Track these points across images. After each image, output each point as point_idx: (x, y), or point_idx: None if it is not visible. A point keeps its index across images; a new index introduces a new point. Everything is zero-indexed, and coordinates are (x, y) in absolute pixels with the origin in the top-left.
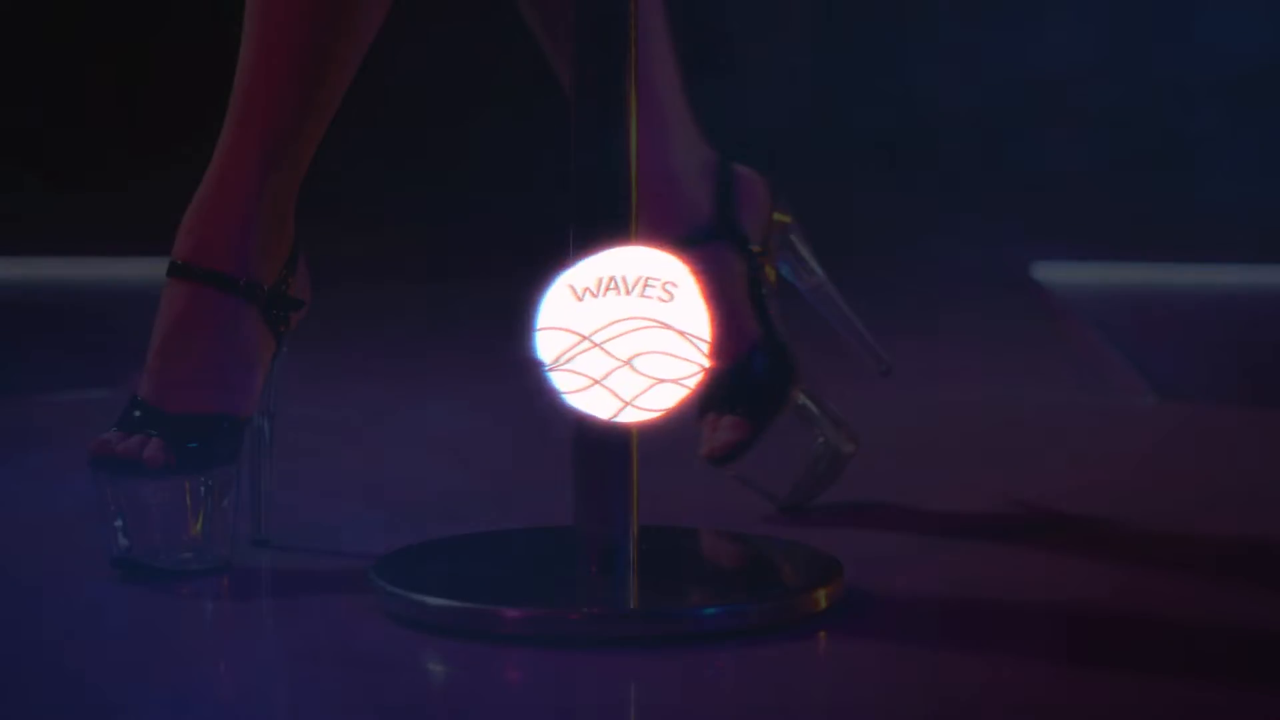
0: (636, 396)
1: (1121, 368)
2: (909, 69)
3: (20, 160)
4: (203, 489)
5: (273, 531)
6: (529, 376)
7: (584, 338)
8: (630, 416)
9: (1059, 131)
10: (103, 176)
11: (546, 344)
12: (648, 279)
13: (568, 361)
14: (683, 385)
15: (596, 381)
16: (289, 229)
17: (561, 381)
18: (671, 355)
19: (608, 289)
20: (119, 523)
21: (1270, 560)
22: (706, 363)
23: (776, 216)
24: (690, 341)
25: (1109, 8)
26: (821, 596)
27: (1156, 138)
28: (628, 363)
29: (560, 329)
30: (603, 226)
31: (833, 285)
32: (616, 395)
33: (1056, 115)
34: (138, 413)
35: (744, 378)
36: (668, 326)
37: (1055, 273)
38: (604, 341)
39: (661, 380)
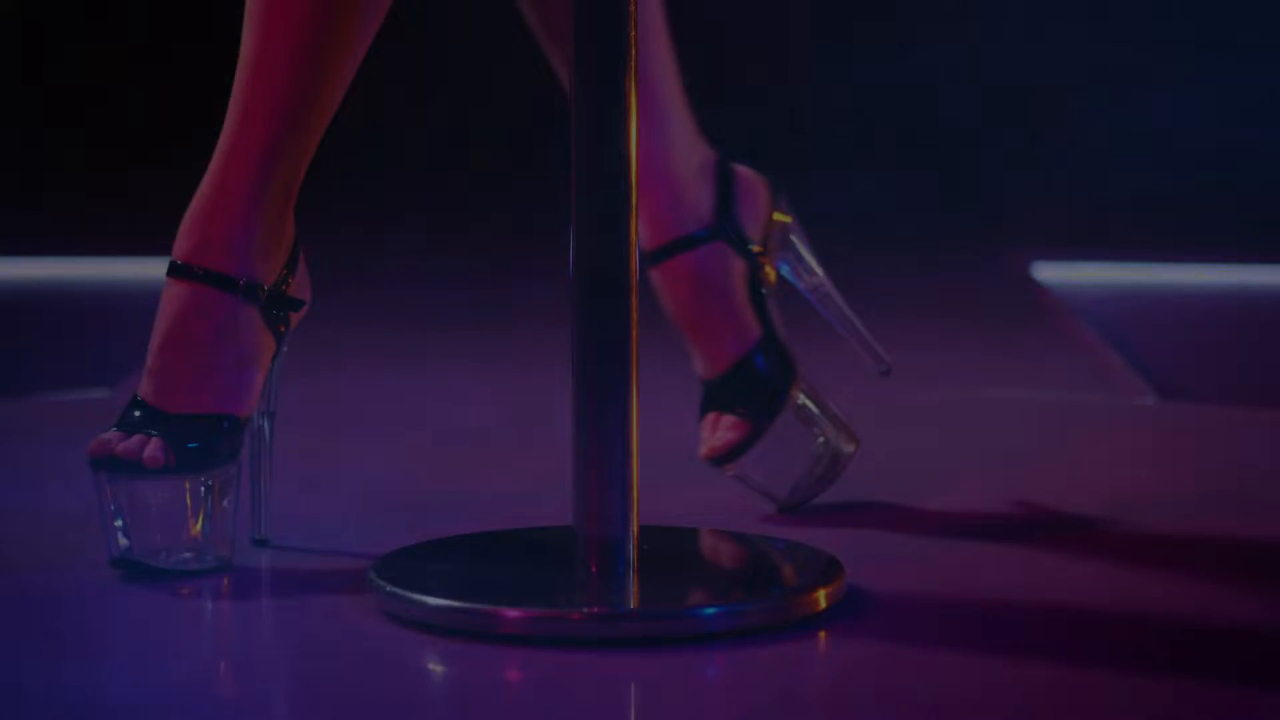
0: None
1: (1121, 368)
2: (910, 68)
3: (20, 161)
4: (203, 489)
5: (273, 531)
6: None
7: None
8: None
9: (1058, 131)
10: (102, 177)
11: None
12: None
13: None
14: None
15: None
16: (289, 229)
17: None
18: None
19: None
20: (119, 523)
21: (1270, 560)
22: None
23: (776, 216)
24: None
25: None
26: (821, 596)
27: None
28: None
29: None
30: (603, 226)
31: (833, 285)
32: None
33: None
34: (138, 413)
35: (744, 377)
36: None
37: (1055, 273)
38: None
39: None
